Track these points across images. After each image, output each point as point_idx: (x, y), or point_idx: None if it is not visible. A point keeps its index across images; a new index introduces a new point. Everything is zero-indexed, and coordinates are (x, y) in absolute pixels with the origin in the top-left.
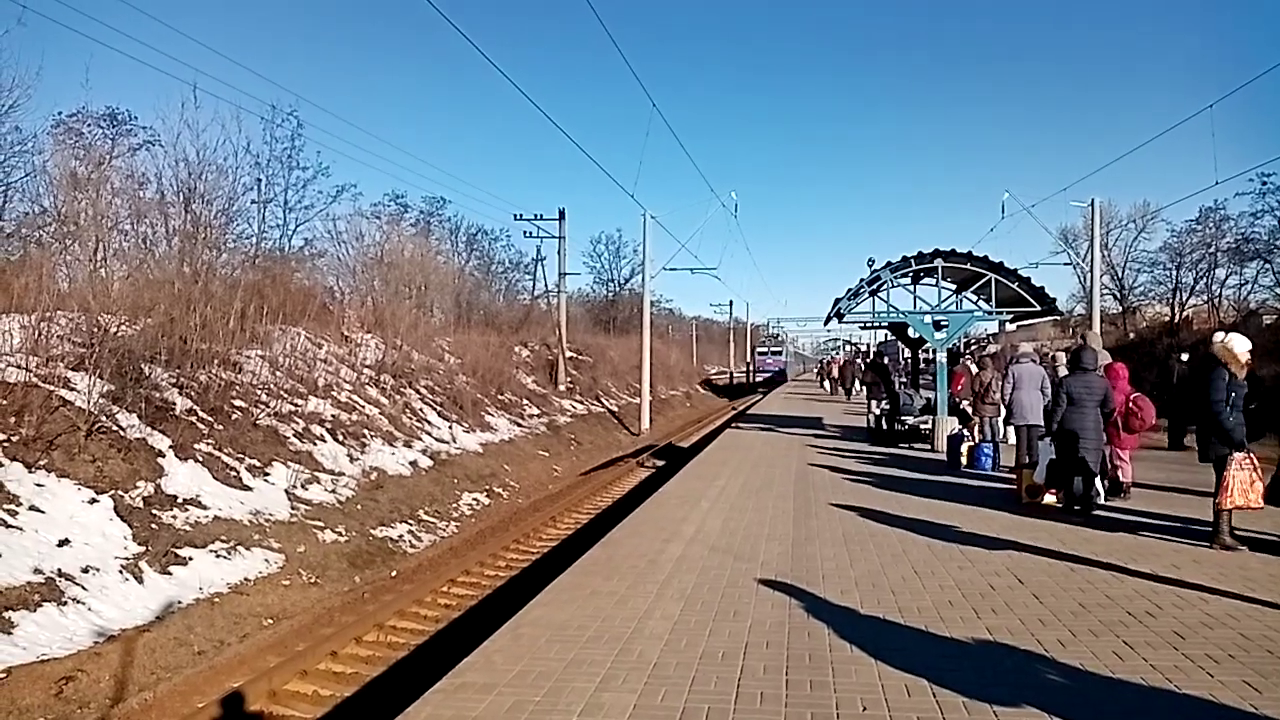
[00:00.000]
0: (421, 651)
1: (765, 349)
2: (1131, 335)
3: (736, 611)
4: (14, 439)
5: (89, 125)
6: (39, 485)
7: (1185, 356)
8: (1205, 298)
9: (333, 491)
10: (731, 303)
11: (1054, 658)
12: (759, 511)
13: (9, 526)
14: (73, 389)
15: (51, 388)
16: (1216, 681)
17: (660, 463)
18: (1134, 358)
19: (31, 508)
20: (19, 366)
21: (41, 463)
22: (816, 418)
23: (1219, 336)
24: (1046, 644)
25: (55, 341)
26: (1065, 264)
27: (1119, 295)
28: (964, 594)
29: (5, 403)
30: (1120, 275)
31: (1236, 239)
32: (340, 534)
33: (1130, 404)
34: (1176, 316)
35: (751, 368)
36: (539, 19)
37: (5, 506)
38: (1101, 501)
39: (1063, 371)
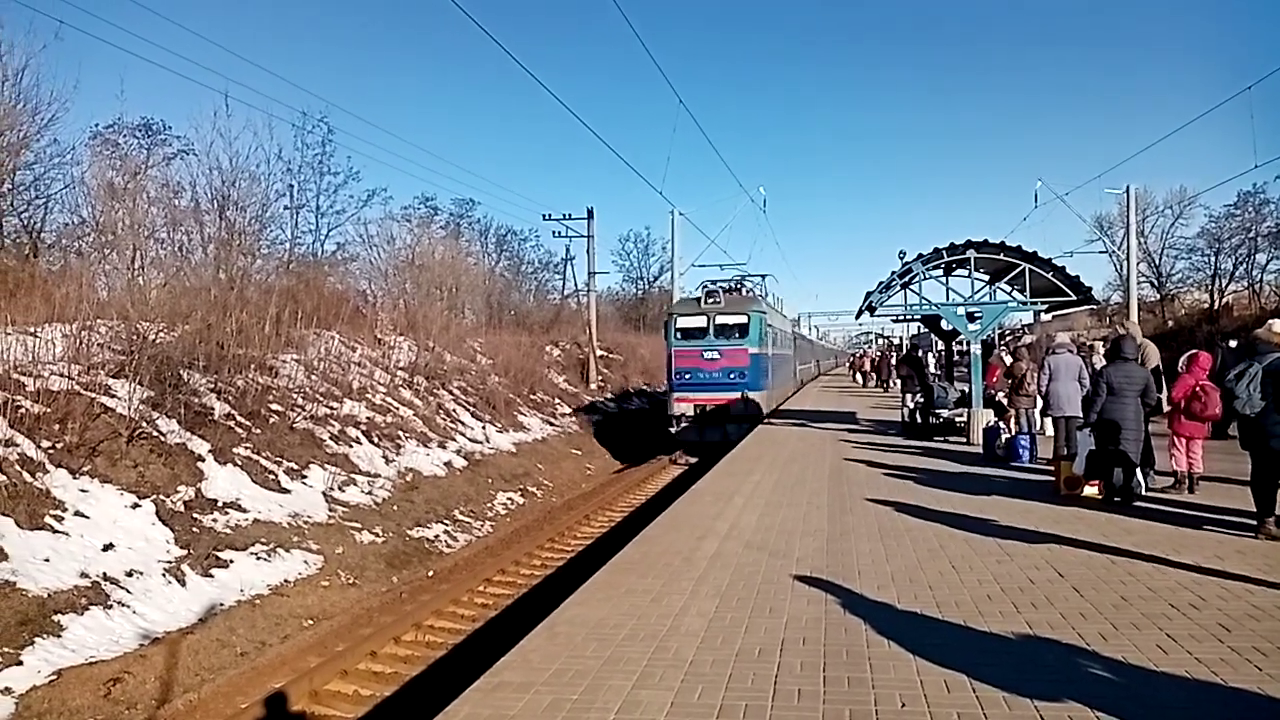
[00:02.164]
0: (459, 651)
1: (700, 318)
2: (1170, 323)
3: (773, 608)
4: (58, 446)
5: (125, 136)
6: (83, 491)
7: (1234, 343)
8: (1245, 283)
9: (369, 493)
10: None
11: (1096, 652)
12: (793, 507)
13: (55, 532)
14: (114, 396)
15: (93, 395)
16: (1265, 675)
17: (693, 460)
18: (1173, 346)
19: (76, 513)
20: (62, 375)
21: (85, 469)
22: (850, 412)
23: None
24: (1088, 638)
25: (96, 350)
26: (1101, 252)
27: (1156, 283)
28: (1003, 588)
29: (49, 410)
30: (1157, 262)
31: (1277, 223)
32: (377, 535)
33: (1196, 389)
34: (1216, 303)
35: (670, 378)
36: (564, 17)
37: (51, 512)
38: (1143, 492)
39: (1099, 361)
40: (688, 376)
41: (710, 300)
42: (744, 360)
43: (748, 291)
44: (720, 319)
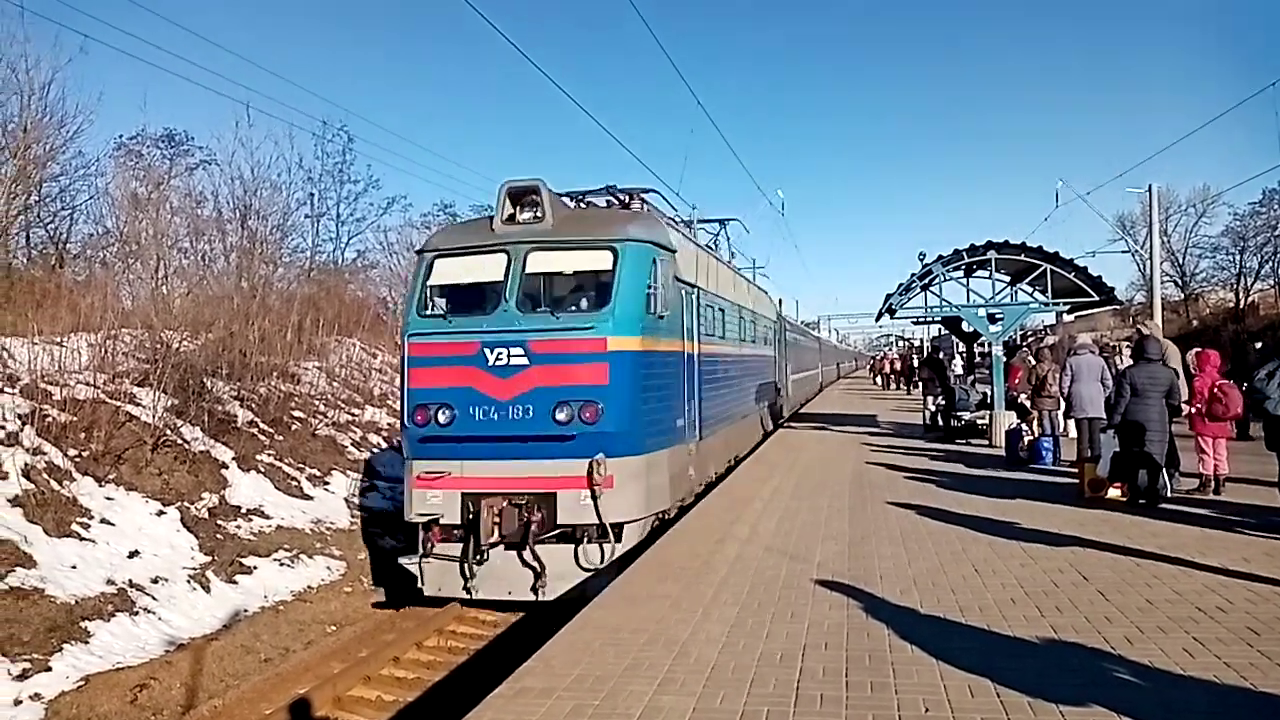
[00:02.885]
0: (482, 656)
1: (488, 258)
2: (1194, 323)
3: (794, 613)
4: (84, 454)
5: (148, 147)
6: (109, 499)
7: (1260, 345)
8: (1271, 281)
9: (391, 499)
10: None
11: (1121, 655)
12: (814, 511)
13: (82, 539)
14: (138, 404)
15: (118, 403)
16: None
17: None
18: (1197, 345)
19: (103, 520)
20: (87, 384)
21: (111, 476)
22: (870, 415)
23: None
24: (1113, 641)
25: (121, 358)
26: (1123, 252)
27: (1180, 282)
28: (1027, 592)
29: (75, 419)
30: (1181, 261)
31: None
32: (399, 540)
33: (1215, 390)
34: (1242, 302)
35: (404, 419)
36: (580, 19)
37: (78, 520)
38: (1168, 494)
39: (1125, 362)
40: (446, 417)
41: (523, 211)
42: (598, 374)
43: (645, 209)
44: (538, 260)
